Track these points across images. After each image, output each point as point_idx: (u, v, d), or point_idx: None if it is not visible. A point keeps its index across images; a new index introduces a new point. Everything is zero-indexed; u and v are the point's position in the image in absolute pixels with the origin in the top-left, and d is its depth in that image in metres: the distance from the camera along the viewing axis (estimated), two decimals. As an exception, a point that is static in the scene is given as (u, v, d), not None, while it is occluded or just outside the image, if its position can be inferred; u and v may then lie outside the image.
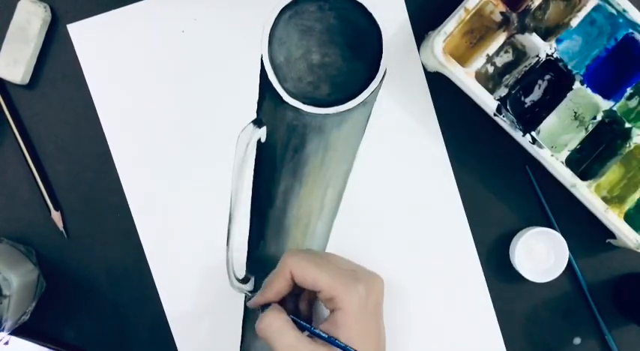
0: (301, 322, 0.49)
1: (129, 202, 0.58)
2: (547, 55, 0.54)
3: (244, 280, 0.59)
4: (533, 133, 0.54)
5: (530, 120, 0.56)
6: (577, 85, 0.54)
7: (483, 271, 0.59)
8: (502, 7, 0.54)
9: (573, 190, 0.55)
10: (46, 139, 0.58)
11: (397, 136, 0.58)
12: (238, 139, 0.57)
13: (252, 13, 0.57)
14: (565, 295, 0.59)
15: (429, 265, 0.59)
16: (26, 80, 0.57)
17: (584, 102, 0.56)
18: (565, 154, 0.55)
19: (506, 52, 0.57)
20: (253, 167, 0.58)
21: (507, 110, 0.54)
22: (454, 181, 0.58)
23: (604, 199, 0.55)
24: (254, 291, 0.59)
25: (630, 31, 0.55)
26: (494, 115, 0.54)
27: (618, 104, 0.55)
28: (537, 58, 0.54)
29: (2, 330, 0.53)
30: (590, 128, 0.55)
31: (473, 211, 0.59)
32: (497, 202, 0.59)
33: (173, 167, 0.58)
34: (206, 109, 0.58)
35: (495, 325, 0.59)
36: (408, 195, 0.59)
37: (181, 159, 0.58)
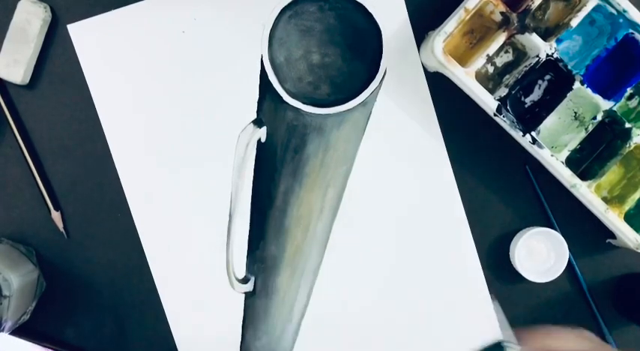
0: None
1: (129, 202, 0.58)
2: (547, 55, 0.54)
3: (244, 280, 0.59)
4: (533, 133, 0.54)
5: (530, 120, 0.56)
6: (577, 85, 0.54)
7: (483, 271, 0.59)
8: (502, 7, 0.54)
9: (573, 190, 0.55)
10: (46, 139, 0.58)
11: (397, 136, 0.58)
12: (238, 139, 0.57)
13: (252, 13, 0.57)
14: (565, 295, 0.59)
15: (428, 265, 0.59)
16: (26, 80, 0.57)
17: (584, 102, 0.56)
18: (565, 154, 0.55)
19: (506, 52, 0.57)
20: (253, 167, 0.58)
21: (507, 110, 0.54)
22: (454, 181, 0.58)
23: (604, 199, 0.55)
24: (254, 291, 0.59)
25: (630, 31, 0.55)
26: (494, 115, 0.54)
27: (618, 104, 0.55)
28: (537, 58, 0.54)
29: (2, 330, 0.53)
30: (590, 128, 0.55)
31: (473, 211, 0.59)
32: (497, 202, 0.59)
33: (173, 167, 0.58)
34: (206, 109, 0.58)
35: (495, 325, 0.59)
36: (408, 195, 0.59)
37: (181, 159, 0.58)
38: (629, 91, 0.55)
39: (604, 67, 0.56)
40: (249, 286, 0.59)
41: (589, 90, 0.55)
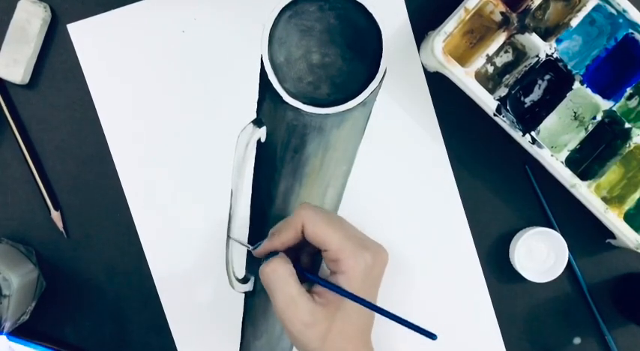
0: (307, 273, 0.48)
1: (129, 202, 0.58)
2: (547, 55, 0.54)
3: (244, 280, 0.59)
4: (532, 133, 0.54)
5: (530, 120, 0.56)
6: (577, 85, 0.54)
7: (483, 271, 0.59)
8: (502, 7, 0.54)
9: (573, 190, 0.55)
10: (46, 139, 0.58)
11: (397, 136, 0.58)
12: (238, 139, 0.57)
13: (252, 13, 0.57)
14: (565, 295, 0.59)
15: (429, 265, 0.59)
16: (26, 80, 0.57)
17: (584, 102, 0.56)
18: (565, 154, 0.55)
19: (506, 52, 0.57)
20: (253, 167, 0.58)
21: (507, 110, 0.54)
22: (454, 181, 0.58)
23: (604, 199, 0.55)
24: (254, 291, 0.59)
25: (630, 31, 0.55)
26: (494, 115, 0.54)
27: (618, 104, 0.55)
28: (537, 58, 0.54)
29: (2, 329, 0.53)
30: (590, 128, 0.55)
31: (473, 211, 0.59)
32: (497, 202, 0.59)
33: (173, 167, 0.58)
34: (206, 109, 0.58)
35: (495, 325, 0.59)
36: (408, 195, 0.59)
37: (181, 159, 0.58)
38: (628, 91, 0.55)
39: (604, 67, 0.56)
40: (249, 286, 0.59)
41: (589, 90, 0.55)
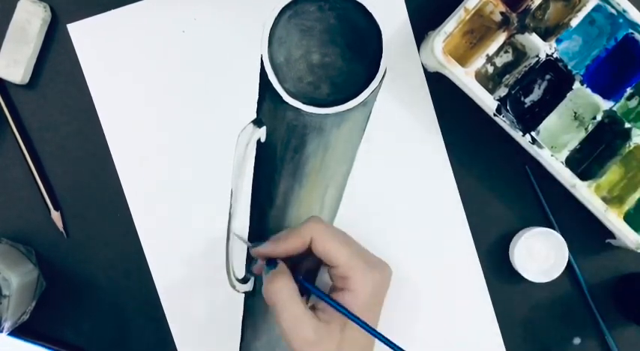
0: (315, 289, 0.48)
1: (129, 202, 0.58)
2: (547, 55, 0.54)
3: (244, 280, 0.59)
4: (532, 133, 0.54)
5: (530, 120, 0.56)
6: (577, 85, 0.54)
7: (483, 271, 0.59)
8: (502, 7, 0.54)
9: (573, 191, 0.55)
10: (46, 139, 0.58)
11: (397, 136, 0.58)
12: (238, 139, 0.57)
13: (252, 13, 0.57)
14: (565, 295, 0.59)
15: (428, 265, 0.59)
16: (26, 80, 0.57)
17: (584, 102, 0.56)
18: (565, 154, 0.55)
19: (506, 52, 0.57)
20: (253, 167, 0.58)
21: (507, 110, 0.54)
22: (454, 181, 0.58)
23: (604, 199, 0.55)
24: (254, 291, 0.59)
25: (630, 31, 0.55)
26: (494, 115, 0.54)
27: (618, 104, 0.55)
28: (537, 58, 0.54)
29: (2, 330, 0.53)
30: (590, 128, 0.55)
31: (473, 211, 0.59)
32: (497, 202, 0.59)
33: (173, 167, 0.58)
34: (206, 109, 0.58)
35: (495, 325, 0.59)
36: (407, 195, 0.59)
37: (181, 159, 0.58)
38: (628, 91, 0.55)
39: (604, 67, 0.56)
40: (249, 286, 0.59)
41: (589, 90, 0.55)
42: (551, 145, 0.56)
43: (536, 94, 0.57)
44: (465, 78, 0.53)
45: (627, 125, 0.55)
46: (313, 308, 0.48)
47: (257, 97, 0.58)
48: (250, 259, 0.59)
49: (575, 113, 0.57)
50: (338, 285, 0.48)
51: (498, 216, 0.59)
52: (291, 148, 0.57)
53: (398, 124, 0.58)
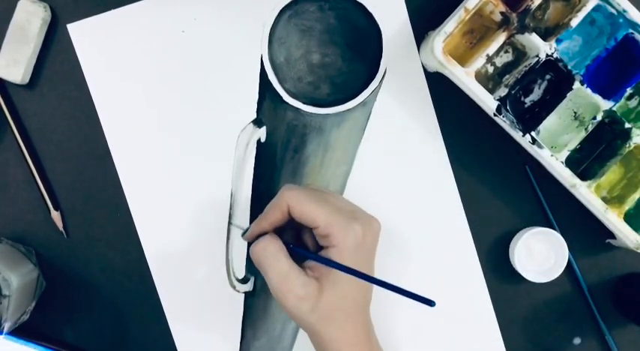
0: (299, 249, 0.48)
1: (129, 202, 0.58)
2: (547, 55, 0.54)
3: (244, 280, 0.59)
4: (532, 133, 0.54)
5: (530, 120, 0.56)
6: (577, 85, 0.54)
7: (483, 271, 0.59)
8: (502, 7, 0.54)
9: (573, 190, 0.55)
10: (46, 139, 0.58)
11: (397, 136, 0.58)
12: (238, 139, 0.57)
13: (252, 13, 0.57)
14: (565, 295, 0.59)
15: (429, 265, 0.59)
16: (26, 80, 0.57)
17: (584, 102, 0.56)
18: (565, 154, 0.55)
19: (506, 52, 0.57)
20: (253, 167, 0.58)
21: (507, 110, 0.54)
22: (454, 181, 0.58)
23: (604, 199, 0.55)
24: (254, 291, 0.59)
25: (630, 31, 0.55)
26: (494, 115, 0.54)
27: (618, 104, 0.55)
28: (537, 58, 0.54)
29: (2, 330, 0.53)
30: (590, 128, 0.55)
31: (473, 211, 0.59)
32: (497, 202, 0.59)
33: (173, 167, 0.58)
34: (206, 108, 0.58)
35: (495, 325, 0.59)
36: (407, 195, 0.59)
37: (181, 159, 0.58)
38: (629, 91, 0.55)
39: (604, 67, 0.56)
40: (249, 286, 0.59)
41: (589, 90, 0.55)
42: (551, 145, 0.56)
43: (536, 94, 0.57)
44: (465, 78, 0.53)
45: (627, 125, 0.55)
46: (304, 268, 0.48)
47: (257, 97, 0.58)
48: (250, 259, 0.59)
49: (575, 113, 0.57)
50: (323, 244, 0.48)
51: (498, 216, 0.59)
52: (291, 148, 0.57)
53: (398, 124, 0.58)
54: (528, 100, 0.57)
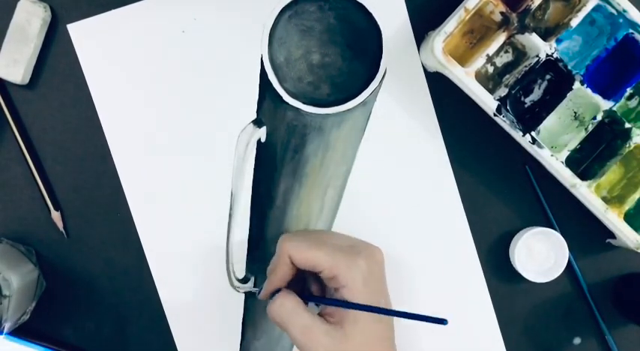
0: (310, 297, 0.48)
1: (129, 202, 0.58)
2: (547, 55, 0.54)
3: (244, 280, 0.59)
4: (533, 133, 0.54)
5: (530, 120, 0.56)
6: (577, 85, 0.54)
7: (483, 271, 0.59)
8: (502, 7, 0.54)
9: (573, 190, 0.55)
10: (46, 139, 0.58)
11: (397, 136, 0.58)
12: (238, 139, 0.57)
13: (252, 13, 0.57)
14: (565, 295, 0.59)
15: (429, 265, 0.59)
16: (26, 80, 0.57)
17: (584, 102, 0.56)
18: (565, 154, 0.55)
19: (506, 52, 0.57)
20: (253, 167, 0.58)
21: (507, 110, 0.54)
22: (454, 181, 0.59)
23: (604, 199, 0.55)
24: (254, 291, 0.59)
25: (630, 31, 0.55)
26: (494, 115, 0.54)
27: (618, 104, 0.55)
28: (537, 58, 0.54)
29: (2, 330, 0.53)
30: (590, 128, 0.55)
31: (473, 211, 0.59)
32: (497, 202, 0.59)
33: (173, 167, 0.58)
34: (206, 109, 0.58)
35: (495, 325, 0.59)
36: (408, 195, 0.59)
37: (181, 159, 0.58)
38: (629, 91, 0.55)
39: (604, 67, 0.56)
40: (249, 286, 0.59)
41: (589, 90, 0.55)
42: (552, 145, 0.56)
43: (536, 94, 0.57)
44: (465, 78, 0.53)
45: (627, 125, 0.55)
46: (323, 316, 0.48)
47: (257, 97, 0.58)
48: (250, 259, 0.59)
49: (576, 113, 0.57)
50: (332, 286, 0.48)
51: (498, 216, 0.59)
52: (291, 148, 0.57)
53: (398, 124, 0.58)
54: (528, 100, 0.57)
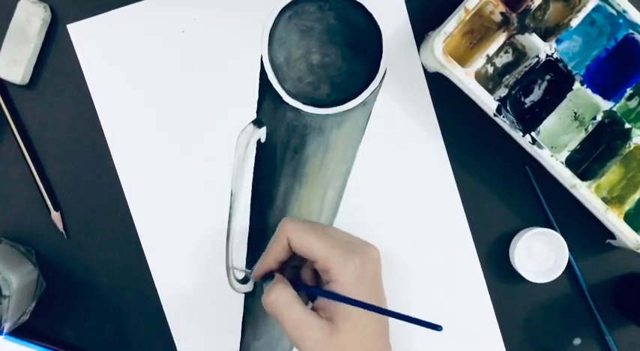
0: (303, 285, 0.48)
1: (129, 202, 0.58)
2: (547, 55, 0.54)
3: (244, 281, 0.59)
4: (533, 134, 0.54)
5: (530, 120, 0.56)
6: (577, 85, 0.54)
7: (483, 271, 0.59)
8: (502, 8, 0.54)
9: (573, 191, 0.55)
10: (46, 139, 0.58)
11: (397, 136, 0.58)
12: (238, 139, 0.57)
13: (252, 13, 0.57)
14: (565, 295, 0.59)
15: (429, 265, 0.59)
16: (26, 80, 0.57)
17: (584, 102, 0.56)
18: (565, 154, 0.55)
19: (506, 52, 0.57)
20: (253, 167, 0.58)
21: (507, 110, 0.54)
22: (454, 181, 0.59)
23: (604, 199, 0.55)
24: (254, 291, 0.59)
25: (630, 31, 0.55)
26: (494, 115, 0.54)
27: (618, 105, 0.55)
28: (537, 59, 0.54)
29: (2, 330, 0.53)
30: (590, 129, 0.55)
31: (473, 211, 0.59)
32: (497, 202, 0.59)
33: (173, 167, 0.58)
34: (206, 109, 0.58)
35: (495, 325, 0.59)
36: (407, 195, 0.59)
37: (181, 159, 0.58)
38: (629, 91, 0.55)
39: (604, 67, 0.56)
40: (249, 287, 0.59)
41: (589, 90, 0.55)
42: (551, 146, 0.56)
43: (536, 94, 0.57)
44: (465, 78, 0.53)
45: (627, 125, 0.55)
46: (315, 310, 0.48)
47: (257, 97, 0.58)
48: (250, 260, 0.59)
49: (575, 113, 0.57)
50: (325, 278, 0.48)
51: (498, 216, 0.59)
52: (291, 148, 0.57)
53: (398, 124, 0.58)
54: (528, 101, 0.57)
